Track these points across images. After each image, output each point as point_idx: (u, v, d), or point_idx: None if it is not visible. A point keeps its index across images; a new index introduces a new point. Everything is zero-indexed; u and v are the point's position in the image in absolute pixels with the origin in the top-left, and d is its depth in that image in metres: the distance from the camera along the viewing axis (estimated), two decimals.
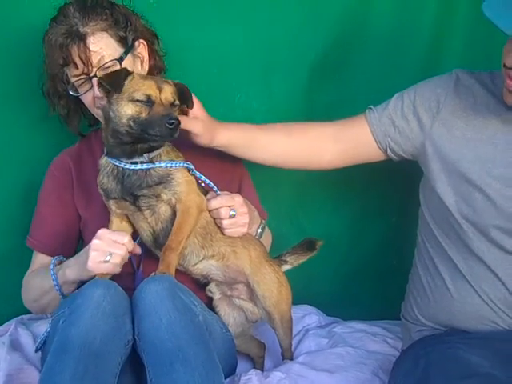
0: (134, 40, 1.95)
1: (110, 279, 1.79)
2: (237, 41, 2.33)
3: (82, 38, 1.86)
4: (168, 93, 1.76)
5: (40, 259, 2.06)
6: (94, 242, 1.77)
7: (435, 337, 1.92)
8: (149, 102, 1.73)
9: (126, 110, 1.73)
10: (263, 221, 2.08)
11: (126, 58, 1.91)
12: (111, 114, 1.76)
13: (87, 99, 1.94)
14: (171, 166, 1.81)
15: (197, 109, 1.88)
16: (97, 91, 1.85)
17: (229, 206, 1.89)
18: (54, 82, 1.97)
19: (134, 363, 1.71)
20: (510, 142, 1.84)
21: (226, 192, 1.94)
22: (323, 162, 2.07)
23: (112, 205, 1.84)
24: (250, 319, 2.04)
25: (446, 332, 1.93)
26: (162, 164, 1.79)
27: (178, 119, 1.71)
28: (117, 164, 1.80)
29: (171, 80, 1.84)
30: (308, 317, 2.37)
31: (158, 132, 1.71)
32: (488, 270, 1.86)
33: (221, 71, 2.30)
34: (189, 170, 1.87)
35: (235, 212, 1.89)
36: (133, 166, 1.78)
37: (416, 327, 2.01)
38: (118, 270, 1.80)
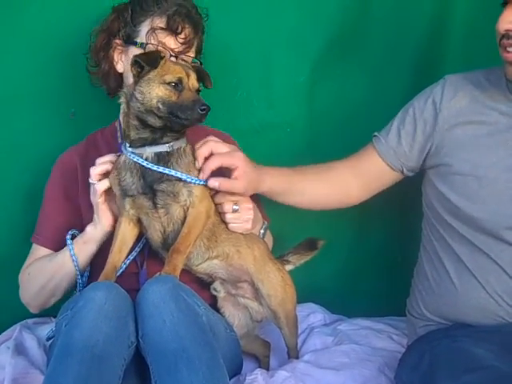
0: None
1: (116, 280, 1.81)
2: (237, 37, 2.32)
3: (197, 28, 1.99)
4: (194, 79, 1.80)
5: (41, 253, 2.05)
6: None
7: (440, 331, 1.92)
8: (179, 86, 1.76)
9: (158, 92, 1.75)
10: (265, 222, 2.08)
11: None
12: (138, 95, 1.77)
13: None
14: (191, 182, 1.81)
15: (241, 170, 1.85)
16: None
17: (232, 201, 1.90)
18: (117, 24, 1.98)
19: (139, 365, 1.71)
20: (509, 133, 1.86)
21: None
22: (352, 199, 2.12)
23: (127, 203, 1.83)
24: (255, 318, 2.04)
25: (450, 326, 1.92)
26: (184, 176, 1.80)
27: (208, 105, 1.75)
28: (139, 162, 1.79)
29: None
30: (313, 315, 2.37)
31: (189, 116, 1.74)
32: (494, 263, 1.85)
33: (221, 68, 2.29)
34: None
35: (238, 207, 1.90)
36: (155, 167, 1.78)
37: (421, 322, 2.01)
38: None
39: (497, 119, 1.87)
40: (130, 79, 1.90)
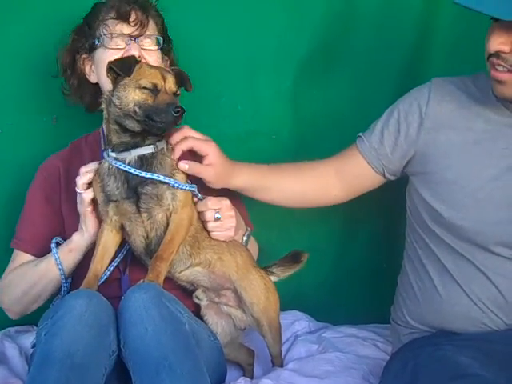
0: (166, 52, 2.07)
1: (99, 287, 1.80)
2: (221, 43, 2.33)
3: (145, 11, 1.98)
4: (171, 83, 1.80)
5: (22, 259, 2.03)
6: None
7: (424, 339, 1.91)
8: (155, 90, 1.77)
9: (134, 96, 1.76)
10: (249, 229, 2.07)
11: (158, 54, 2.00)
12: (116, 100, 1.78)
13: (111, 57, 1.92)
14: (178, 187, 1.81)
15: (212, 157, 1.90)
16: (133, 51, 1.92)
17: (215, 209, 1.89)
18: (78, 41, 2.01)
19: (120, 374, 1.69)
20: (495, 141, 1.85)
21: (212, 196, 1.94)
22: (330, 199, 2.12)
23: (111, 209, 1.83)
24: (239, 326, 2.02)
25: (434, 334, 1.92)
26: (171, 182, 1.80)
27: (182, 108, 1.74)
28: (122, 168, 1.79)
29: (170, 67, 1.90)
30: (297, 323, 2.35)
31: (164, 118, 1.74)
32: (477, 271, 1.85)
33: (205, 75, 2.29)
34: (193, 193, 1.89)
35: (220, 215, 1.90)
36: (137, 172, 1.78)
37: (405, 330, 2.00)
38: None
39: (483, 127, 1.86)
40: (105, 86, 1.92)
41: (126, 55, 1.92)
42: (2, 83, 2.24)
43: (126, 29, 1.95)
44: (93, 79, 2.03)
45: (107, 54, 1.95)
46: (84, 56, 2.02)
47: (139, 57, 1.90)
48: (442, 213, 1.87)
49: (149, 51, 1.97)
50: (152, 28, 2.00)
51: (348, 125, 2.37)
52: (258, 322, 1.97)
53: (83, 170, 1.89)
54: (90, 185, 1.87)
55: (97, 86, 2.03)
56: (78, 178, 1.88)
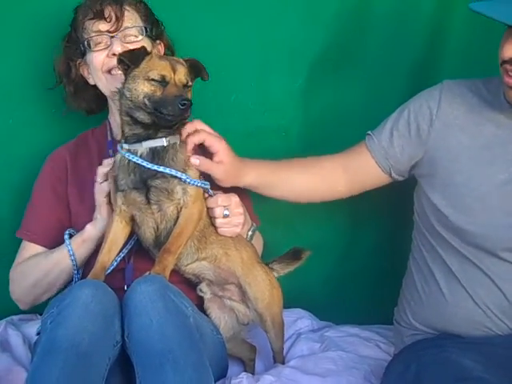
0: (156, 36, 2.06)
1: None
2: (233, 40, 2.33)
3: (118, 2, 1.99)
4: (181, 74, 1.81)
5: (31, 249, 2.05)
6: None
7: (427, 341, 1.91)
8: (163, 82, 1.77)
9: (143, 88, 1.78)
10: (254, 224, 2.08)
11: (147, 42, 2.00)
12: (127, 92, 1.80)
13: (98, 58, 1.98)
14: (189, 183, 1.82)
15: (223, 155, 1.91)
16: (116, 48, 1.94)
17: (224, 206, 1.90)
18: (70, 48, 2.04)
19: (124, 364, 1.70)
20: (506, 146, 1.84)
21: (221, 192, 1.95)
22: (336, 194, 2.12)
23: (119, 198, 1.84)
24: (242, 321, 2.03)
25: (438, 336, 1.92)
26: (183, 177, 1.81)
27: (189, 100, 1.75)
28: (134, 161, 1.80)
29: (183, 58, 1.88)
30: (300, 321, 2.36)
31: (171, 111, 1.75)
32: (484, 275, 1.85)
33: (216, 71, 2.26)
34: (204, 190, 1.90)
35: (229, 212, 1.91)
36: (149, 165, 1.79)
37: (408, 331, 2.00)
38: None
39: (493, 131, 1.86)
40: (103, 87, 2.00)
41: (110, 53, 1.95)
42: (12, 74, 2.25)
43: (104, 26, 1.97)
44: (91, 81, 2.06)
45: (93, 56, 1.99)
46: (79, 61, 2.06)
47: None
48: (449, 216, 1.87)
49: (133, 43, 1.97)
50: (132, 18, 2.00)
51: (358, 124, 2.36)
52: (262, 317, 1.97)
53: (105, 161, 1.92)
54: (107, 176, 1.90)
55: (97, 88, 2.06)
56: (99, 168, 1.91)
